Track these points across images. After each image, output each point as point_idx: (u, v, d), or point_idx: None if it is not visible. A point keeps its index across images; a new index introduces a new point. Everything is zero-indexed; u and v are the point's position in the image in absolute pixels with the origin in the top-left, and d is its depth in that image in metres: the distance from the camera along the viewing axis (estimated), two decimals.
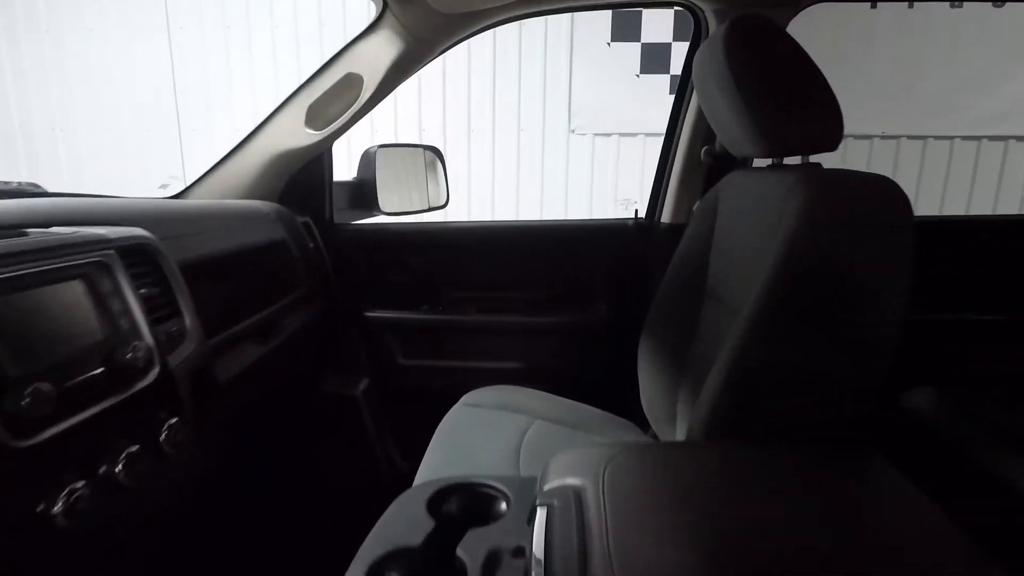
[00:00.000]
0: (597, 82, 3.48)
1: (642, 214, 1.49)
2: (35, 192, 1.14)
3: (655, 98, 3.44)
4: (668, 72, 3.41)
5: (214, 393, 0.83)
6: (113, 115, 3.72)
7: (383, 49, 1.17)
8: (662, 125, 3.42)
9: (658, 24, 3.35)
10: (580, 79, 3.49)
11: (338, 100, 1.25)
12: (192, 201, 1.10)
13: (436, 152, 1.79)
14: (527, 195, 3.72)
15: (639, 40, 3.39)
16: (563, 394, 1.33)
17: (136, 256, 0.73)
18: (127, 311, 0.66)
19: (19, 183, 1.13)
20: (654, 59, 3.40)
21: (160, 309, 0.74)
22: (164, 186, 3.41)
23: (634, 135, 3.54)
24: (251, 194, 1.35)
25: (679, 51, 3.38)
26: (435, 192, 1.80)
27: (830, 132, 0.83)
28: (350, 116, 1.25)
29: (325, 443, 1.52)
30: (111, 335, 0.63)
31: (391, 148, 1.68)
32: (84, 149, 3.79)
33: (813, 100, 0.82)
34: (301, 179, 1.39)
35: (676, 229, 1.36)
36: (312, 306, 1.32)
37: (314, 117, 1.27)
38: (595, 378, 1.50)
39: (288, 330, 1.20)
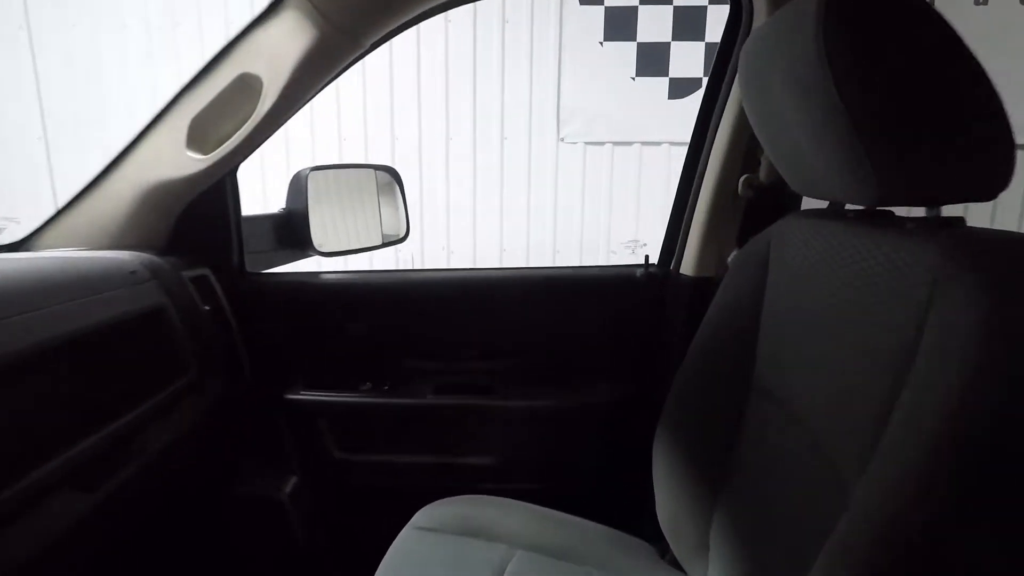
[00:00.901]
0: (589, 86, 3.14)
1: (654, 259, 1.14)
2: None
3: (653, 104, 3.10)
4: (667, 75, 3.08)
5: None
6: None
7: (288, 40, 0.81)
8: (660, 134, 3.13)
9: (656, 21, 3.01)
10: (570, 82, 3.15)
11: (231, 112, 0.89)
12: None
13: (391, 173, 1.43)
14: (512, 208, 3.37)
15: (635, 39, 3.06)
16: (552, 502, 0.98)
17: None
18: None
19: None
20: (651, 60, 3.07)
21: None
22: None
23: (629, 144, 3.21)
24: (122, 241, 0.98)
25: (679, 52, 3.05)
26: (391, 222, 1.45)
27: (996, 171, 0.49)
28: (248, 133, 0.88)
29: (242, 564, 1.15)
30: None
31: (329, 170, 1.32)
32: None
33: (975, 121, 0.48)
34: (196, 217, 1.03)
35: (703, 285, 1.01)
36: (205, 394, 0.96)
37: (200, 136, 0.91)
38: (594, 480, 1.15)
39: (160, 441, 0.84)
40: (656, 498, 0.88)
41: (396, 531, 0.90)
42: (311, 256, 1.26)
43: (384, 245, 1.43)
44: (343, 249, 1.31)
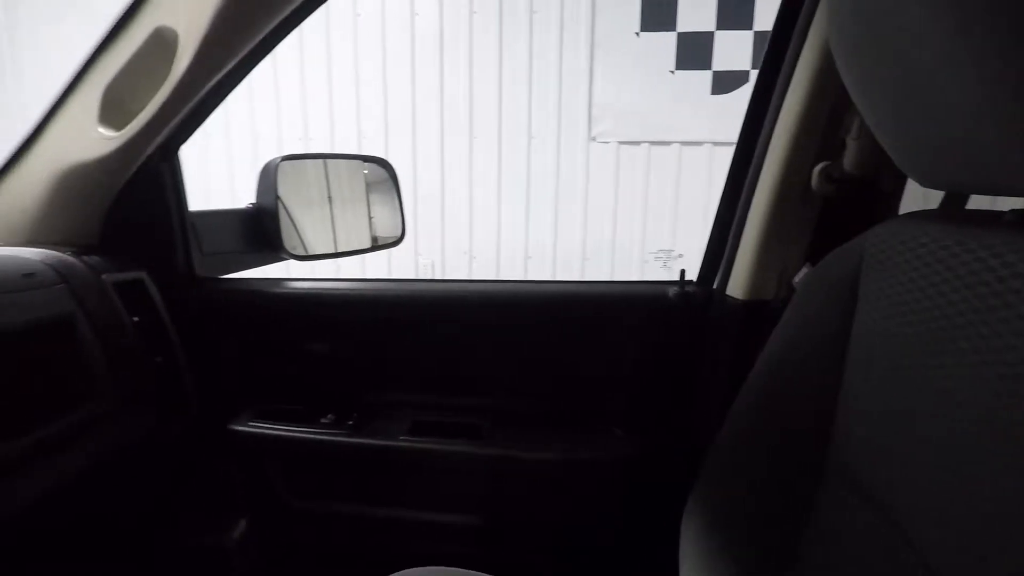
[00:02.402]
0: (623, 80, 2.90)
1: (693, 275, 0.90)
2: None
3: (694, 100, 2.85)
4: (710, 68, 2.82)
5: None
6: None
7: None
8: (702, 133, 2.87)
9: (698, 9, 2.76)
10: (603, 77, 2.93)
11: (150, 78, 0.70)
12: None
13: (384, 165, 1.23)
14: (538, 212, 3.15)
15: (674, 29, 2.81)
16: None
17: None
18: None
19: None
20: (693, 52, 2.81)
21: None
22: None
23: (667, 144, 2.95)
24: (39, 236, 0.81)
25: (724, 42, 2.79)
26: (384, 222, 1.25)
27: None
28: (160, 104, 0.69)
29: None
30: None
31: (306, 160, 1.13)
32: None
33: None
34: (130, 211, 0.85)
35: (757, 311, 0.77)
36: (123, 427, 0.78)
37: (114, 109, 0.72)
38: (602, 555, 0.91)
39: (50, 480, 0.67)
40: None
41: None
42: (283, 259, 1.07)
43: (374, 248, 1.24)
44: (321, 252, 1.12)
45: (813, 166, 0.70)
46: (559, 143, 3.06)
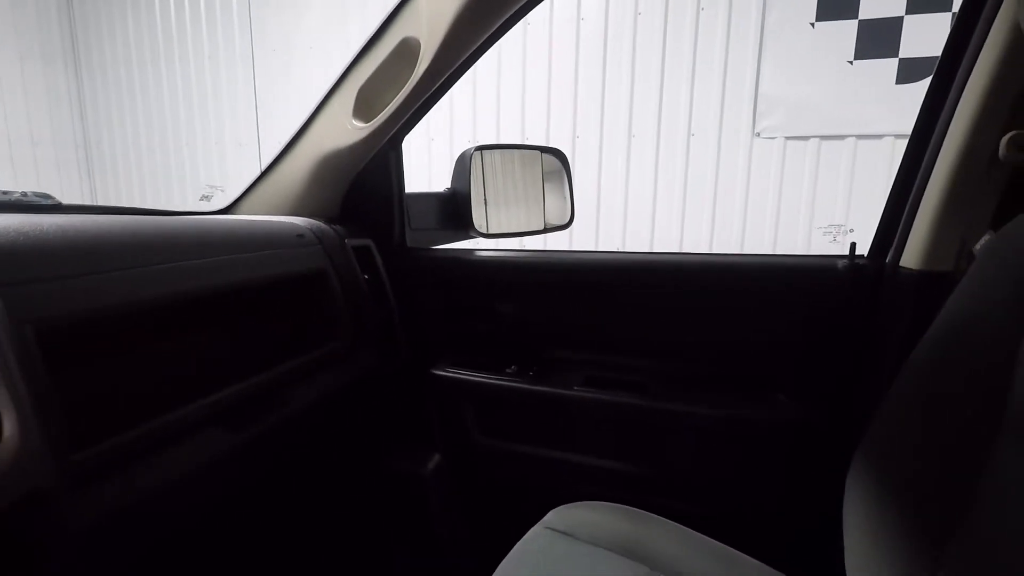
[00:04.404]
0: (794, 73, 2.79)
1: (863, 249, 0.91)
2: (43, 204, 0.94)
3: (874, 91, 2.65)
4: (896, 55, 2.61)
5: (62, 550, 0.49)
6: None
7: None
8: (883, 125, 2.67)
9: None
10: (771, 70, 2.83)
11: (393, 79, 0.89)
12: (167, 220, 0.81)
13: (558, 155, 1.37)
14: (694, 211, 3.13)
15: (856, 16, 2.64)
16: (705, 528, 0.83)
17: None
18: None
19: (23, 193, 0.95)
20: (877, 39, 2.62)
21: None
22: (206, 198, 3.37)
23: (841, 138, 2.78)
24: (300, 209, 1.05)
25: (914, 26, 2.56)
26: (556, 208, 1.39)
27: None
28: (403, 99, 0.87)
29: (372, 533, 1.17)
30: None
31: (495, 150, 1.29)
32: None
33: None
34: (363, 190, 1.07)
35: (934, 283, 0.77)
36: (356, 363, 0.98)
37: (365, 106, 0.93)
38: (760, 509, 0.95)
39: (303, 399, 0.87)
40: (845, 544, 0.69)
41: (519, 526, 0.83)
42: (472, 237, 1.24)
43: (547, 230, 1.38)
44: (504, 232, 1.28)
45: (1002, 135, 0.69)
46: (720, 140, 3.01)
